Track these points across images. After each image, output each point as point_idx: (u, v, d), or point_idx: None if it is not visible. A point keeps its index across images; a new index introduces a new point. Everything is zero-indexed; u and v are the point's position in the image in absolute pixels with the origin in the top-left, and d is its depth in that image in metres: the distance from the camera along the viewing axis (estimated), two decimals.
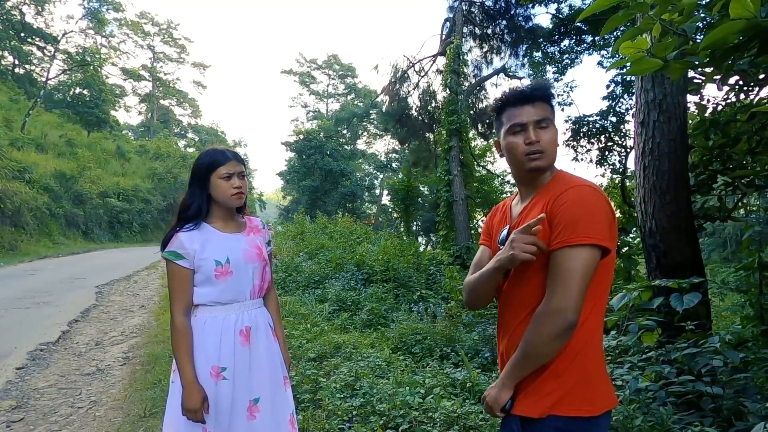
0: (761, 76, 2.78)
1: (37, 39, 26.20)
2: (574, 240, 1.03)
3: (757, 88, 3.30)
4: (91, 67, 27.04)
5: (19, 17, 24.90)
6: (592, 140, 10.74)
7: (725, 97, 3.70)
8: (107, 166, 23.99)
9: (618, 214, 8.79)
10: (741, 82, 3.17)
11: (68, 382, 3.64)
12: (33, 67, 27.67)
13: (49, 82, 26.85)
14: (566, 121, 11.63)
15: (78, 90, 27.86)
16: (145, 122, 41.83)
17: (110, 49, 34.14)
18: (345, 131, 30.73)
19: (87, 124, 27.00)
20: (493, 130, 1.35)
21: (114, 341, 4.82)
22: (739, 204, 4.56)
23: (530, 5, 11.22)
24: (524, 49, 12.86)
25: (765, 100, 3.21)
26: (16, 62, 26.83)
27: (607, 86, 10.76)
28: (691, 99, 3.67)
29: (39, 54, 27.29)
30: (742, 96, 3.59)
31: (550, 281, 1.06)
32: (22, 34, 25.37)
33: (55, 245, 15.24)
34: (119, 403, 3.21)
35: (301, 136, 27.85)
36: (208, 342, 1.52)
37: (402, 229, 16.81)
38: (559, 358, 1.07)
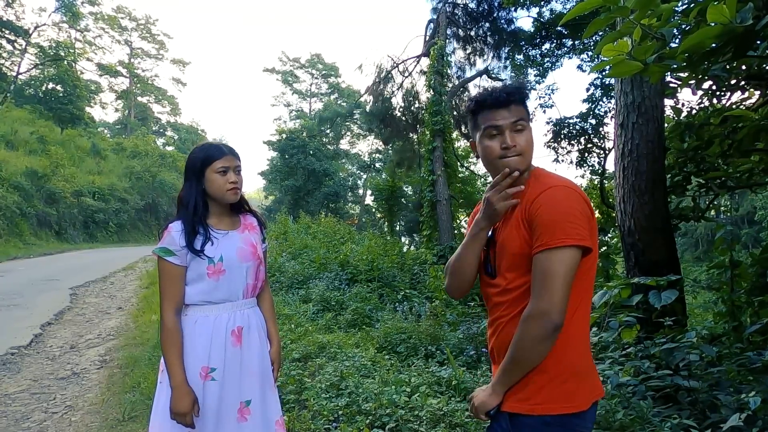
0: (733, 82, 2.90)
1: (7, 32, 25.14)
2: (553, 242, 1.04)
3: (728, 93, 3.44)
4: (65, 62, 26.15)
5: None
6: (572, 142, 11.00)
7: (699, 101, 3.84)
8: (82, 164, 23.22)
9: (597, 215, 9.02)
10: (714, 87, 3.29)
11: (41, 387, 3.51)
12: (2, 61, 26.53)
13: (19, 76, 25.87)
14: (547, 123, 11.87)
15: (51, 85, 26.86)
16: (121, 119, 40.70)
17: (85, 44, 33.06)
18: (328, 131, 30.58)
19: (60, 121, 26.06)
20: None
21: (90, 344, 4.68)
22: (711, 205, 4.74)
23: (512, 8, 11.39)
24: (506, 51, 13.07)
25: (736, 105, 3.35)
26: None
27: (587, 89, 11.03)
28: (668, 103, 3.79)
29: (9, 47, 26.17)
30: (714, 100, 3.74)
31: (534, 284, 1.07)
32: None
33: (26, 246, 14.68)
34: (96, 407, 3.11)
35: (284, 136, 27.60)
36: (198, 342, 1.49)
37: (385, 229, 16.84)
38: (546, 356, 1.09)
